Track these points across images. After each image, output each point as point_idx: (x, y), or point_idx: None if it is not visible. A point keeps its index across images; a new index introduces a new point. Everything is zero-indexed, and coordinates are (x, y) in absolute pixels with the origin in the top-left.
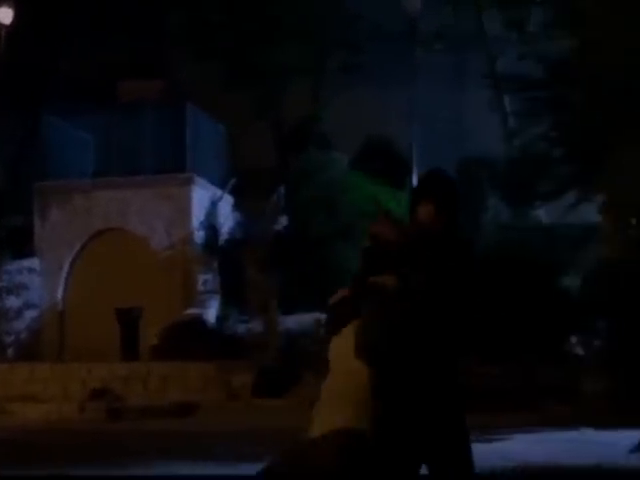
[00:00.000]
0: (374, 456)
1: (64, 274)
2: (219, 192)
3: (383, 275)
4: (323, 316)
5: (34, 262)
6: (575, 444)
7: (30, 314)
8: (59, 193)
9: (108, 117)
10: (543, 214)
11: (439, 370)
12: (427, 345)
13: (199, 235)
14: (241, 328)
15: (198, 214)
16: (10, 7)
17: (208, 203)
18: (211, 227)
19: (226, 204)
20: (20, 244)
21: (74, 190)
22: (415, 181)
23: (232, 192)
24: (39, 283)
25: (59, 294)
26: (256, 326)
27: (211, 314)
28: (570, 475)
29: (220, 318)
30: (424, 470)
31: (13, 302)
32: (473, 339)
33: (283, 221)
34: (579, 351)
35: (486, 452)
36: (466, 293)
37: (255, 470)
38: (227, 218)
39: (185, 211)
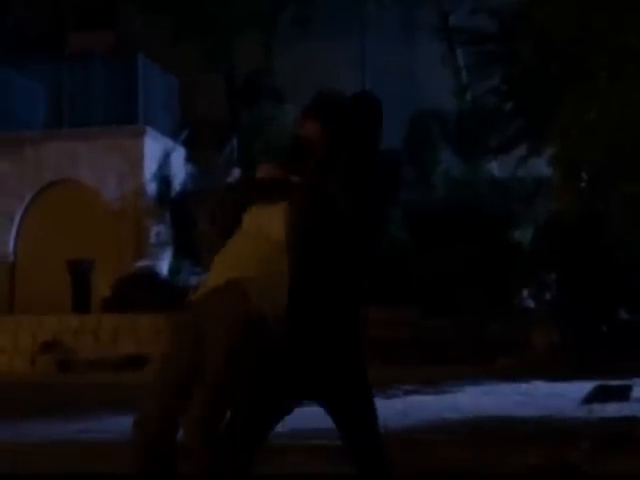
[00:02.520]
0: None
1: (15, 226)
2: (171, 144)
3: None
4: None
5: None
6: (525, 396)
7: None
8: (9, 144)
9: (58, 68)
10: (495, 168)
11: (344, 298)
12: (340, 257)
13: (151, 187)
14: (193, 280)
15: (150, 166)
16: None
17: (160, 155)
18: (163, 179)
19: (179, 156)
20: None
21: (24, 141)
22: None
23: (185, 144)
24: None
25: (10, 246)
26: None
27: (163, 266)
28: (520, 426)
29: (172, 270)
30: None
31: None
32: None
33: (236, 173)
34: (530, 304)
35: (435, 404)
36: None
37: None
38: (179, 170)
39: (137, 163)
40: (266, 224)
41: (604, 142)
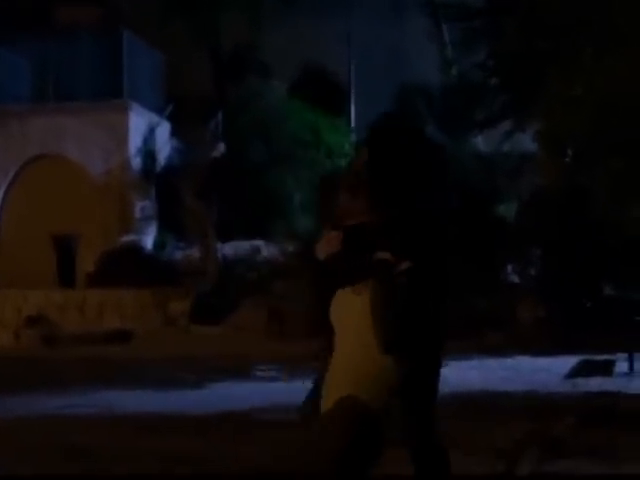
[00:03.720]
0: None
1: None
2: (156, 119)
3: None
4: (261, 243)
5: None
6: (511, 371)
7: None
8: None
9: (44, 42)
10: (481, 143)
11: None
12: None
13: (136, 162)
14: (178, 255)
15: (135, 141)
16: None
17: (145, 130)
18: (148, 154)
19: (164, 131)
20: None
21: (9, 115)
22: (353, 109)
23: (170, 119)
24: None
25: None
26: (193, 253)
27: (148, 241)
28: (505, 400)
29: (157, 245)
30: None
31: None
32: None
33: (221, 148)
34: (515, 279)
35: None
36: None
37: (185, 396)
38: (165, 145)
39: (122, 138)
40: (352, 326)
41: (589, 117)
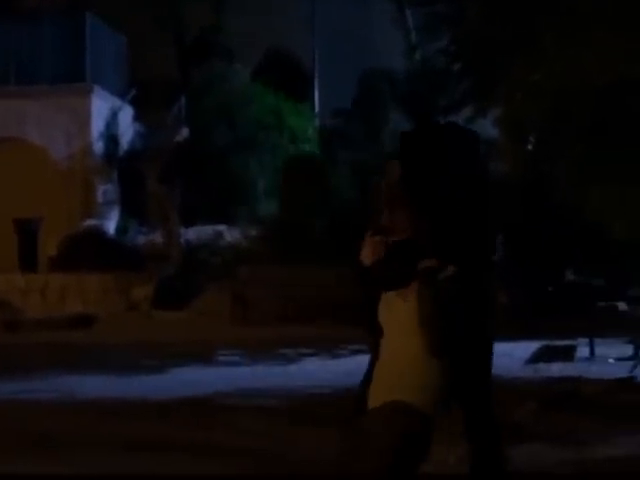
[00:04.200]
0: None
1: None
2: (119, 102)
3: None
4: (224, 228)
5: None
6: None
7: None
8: None
9: (5, 25)
10: None
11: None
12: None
13: (99, 146)
14: (141, 239)
15: (98, 124)
16: None
17: (108, 113)
18: (111, 138)
19: (126, 115)
20: None
21: None
22: (317, 94)
23: (133, 103)
24: None
25: None
26: (156, 237)
27: (111, 225)
28: None
29: (120, 229)
30: None
31: None
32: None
33: (184, 132)
34: None
35: None
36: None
37: (148, 381)
38: (127, 129)
39: (84, 122)
40: (397, 327)
41: (548, 104)
